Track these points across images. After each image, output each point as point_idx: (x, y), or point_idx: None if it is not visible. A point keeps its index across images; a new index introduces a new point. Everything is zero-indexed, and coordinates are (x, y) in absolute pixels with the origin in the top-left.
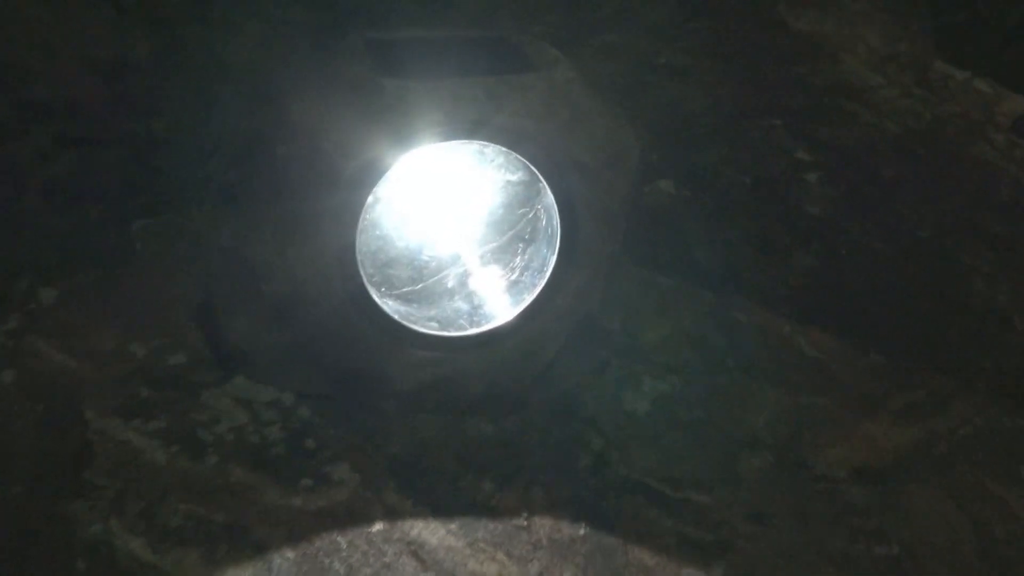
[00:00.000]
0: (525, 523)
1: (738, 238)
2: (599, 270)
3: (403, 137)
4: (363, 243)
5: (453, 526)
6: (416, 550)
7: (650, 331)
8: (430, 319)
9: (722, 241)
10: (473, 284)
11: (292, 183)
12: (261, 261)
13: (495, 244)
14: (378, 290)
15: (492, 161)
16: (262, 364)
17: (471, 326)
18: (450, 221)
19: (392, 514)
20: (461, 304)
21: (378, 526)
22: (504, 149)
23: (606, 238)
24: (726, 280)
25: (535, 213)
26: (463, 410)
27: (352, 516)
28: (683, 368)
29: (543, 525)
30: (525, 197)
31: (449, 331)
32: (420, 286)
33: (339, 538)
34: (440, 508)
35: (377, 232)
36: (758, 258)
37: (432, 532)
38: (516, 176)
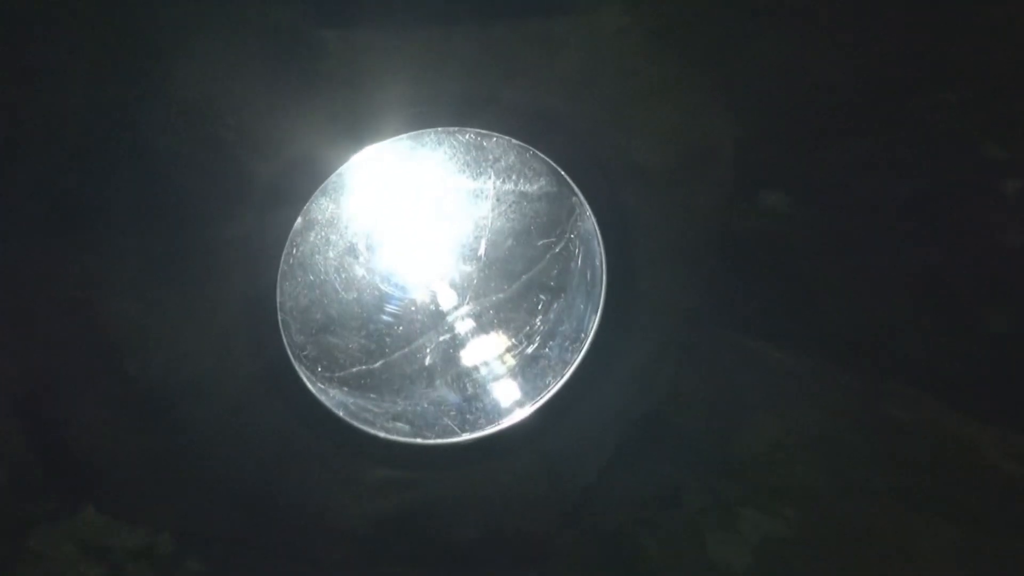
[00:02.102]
0: None
1: (893, 286)
2: (669, 337)
3: (354, 124)
4: (288, 294)
5: None
6: None
7: (751, 435)
8: (396, 417)
9: (868, 290)
10: (466, 360)
11: (175, 198)
12: (124, 324)
13: (501, 295)
14: (312, 371)
15: (497, 161)
16: (125, 488)
17: (462, 429)
18: (428, 258)
19: None
20: (446, 393)
21: None
22: (517, 142)
23: (680, 286)
24: (875, 353)
25: (565, 245)
26: (448, 563)
27: None
28: (805, 496)
29: None
30: (549, 219)
31: (427, 437)
32: (380, 363)
33: None
34: None
35: (310, 277)
36: (926, 320)
37: None
38: (536, 186)
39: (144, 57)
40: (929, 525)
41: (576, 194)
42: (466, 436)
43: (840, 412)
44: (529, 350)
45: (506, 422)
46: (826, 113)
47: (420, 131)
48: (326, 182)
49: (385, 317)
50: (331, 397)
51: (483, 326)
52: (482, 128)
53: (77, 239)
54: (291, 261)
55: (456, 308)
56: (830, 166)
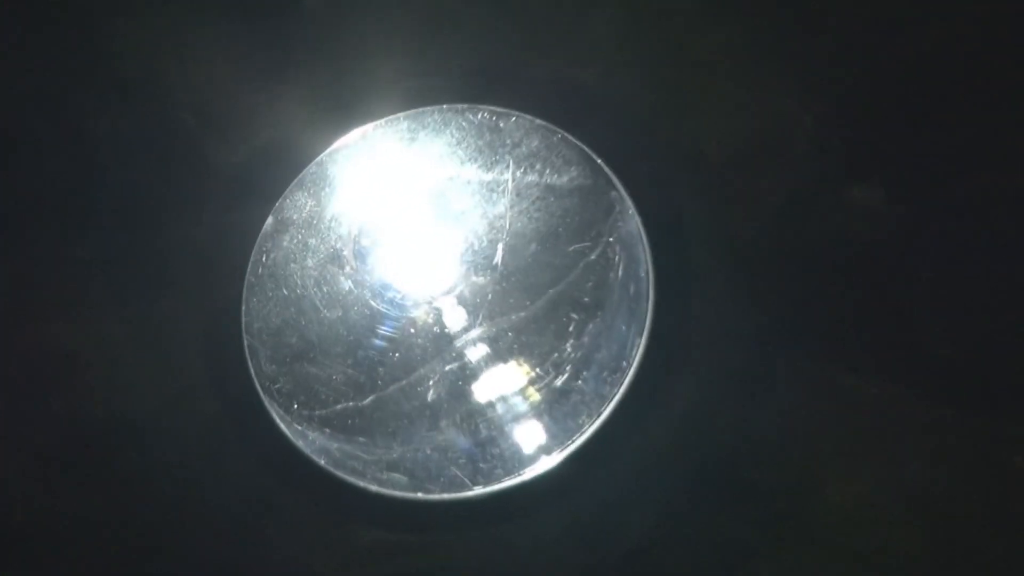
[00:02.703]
0: None
1: (1012, 302)
2: (731, 367)
3: (339, 101)
4: (256, 312)
5: None
6: None
7: (833, 488)
8: (391, 466)
9: (980, 307)
10: (478, 395)
11: (116, 195)
12: (50, 350)
13: (522, 314)
14: (286, 408)
15: (517, 147)
16: (50, 558)
17: (474, 481)
18: (431, 267)
19: None
20: (454, 436)
21: None
22: (542, 123)
23: (745, 302)
24: (990, 385)
25: (602, 251)
26: None
27: None
28: (901, 565)
29: None
30: (582, 219)
31: (429, 491)
32: (371, 399)
33: None
34: None
35: (284, 291)
36: None
37: None
38: (565, 177)
39: (74, 24)
40: None
41: (616, 187)
42: (479, 490)
43: (946, 460)
44: (558, 382)
45: (529, 473)
46: (926, 90)
47: (421, 109)
48: (303, 173)
49: (377, 341)
50: (310, 441)
51: (500, 352)
52: (498, 106)
53: None
54: (260, 271)
55: (466, 330)
56: (931, 156)
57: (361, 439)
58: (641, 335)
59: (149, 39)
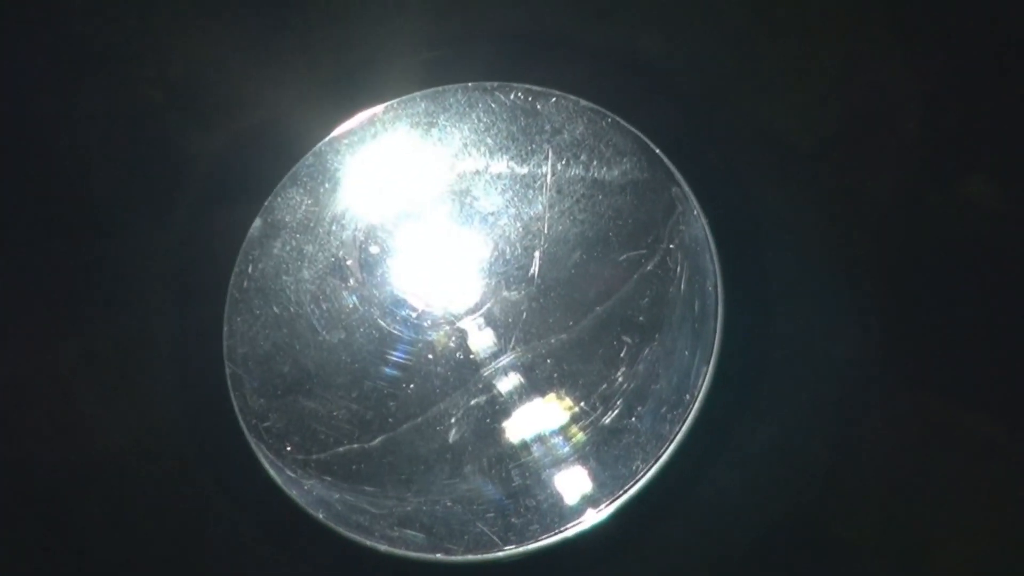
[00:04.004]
0: None
1: None
2: (819, 401)
3: (343, 78)
4: (241, 335)
5: None
6: None
7: (947, 545)
8: (405, 521)
9: None
10: (511, 435)
11: (75, 192)
12: None
13: (563, 337)
14: (277, 452)
15: (558, 133)
16: None
17: (505, 540)
18: (453, 280)
19: None
20: (481, 485)
21: None
22: (588, 104)
23: (836, 322)
24: None
25: (661, 260)
26: None
27: None
28: None
29: None
30: (637, 222)
31: (451, 552)
32: (380, 439)
33: None
34: None
35: (274, 308)
36: None
37: None
38: (617, 171)
39: None
40: None
41: (678, 183)
42: (511, 550)
43: None
44: (607, 420)
45: (571, 529)
46: None
47: (443, 88)
48: (298, 165)
49: (388, 370)
50: (306, 491)
51: (537, 383)
52: (536, 84)
53: None
54: (245, 285)
55: (496, 357)
56: None
57: (368, 488)
58: (708, 363)
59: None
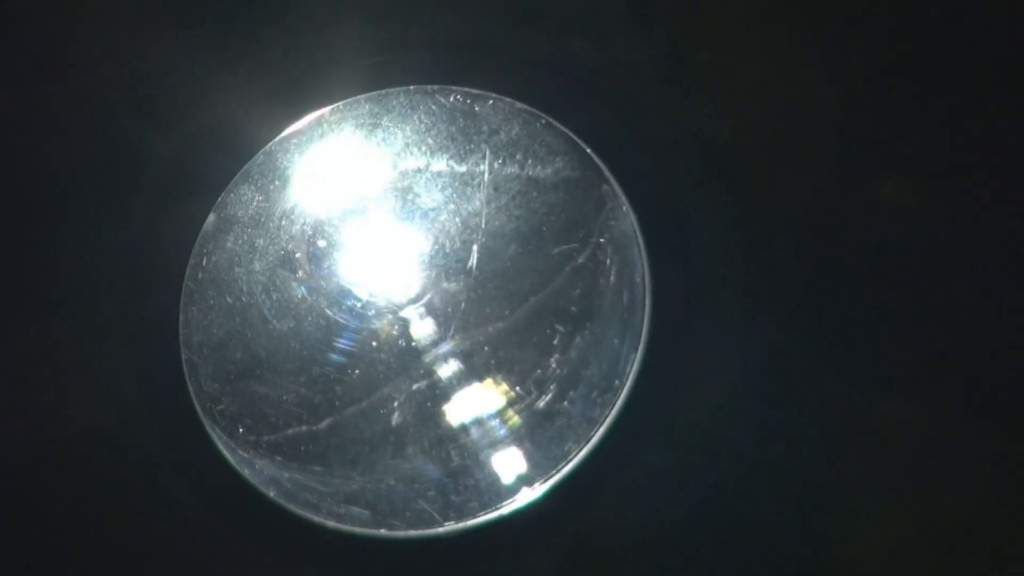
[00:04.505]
0: None
1: None
2: (740, 387)
3: (291, 81)
4: (196, 324)
5: None
6: None
7: (858, 531)
8: (351, 499)
9: None
10: (451, 417)
11: (29, 187)
12: None
13: (500, 325)
14: (230, 433)
15: (495, 134)
16: None
17: (445, 516)
18: (396, 272)
19: None
20: (422, 465)
21: None
22: (523, 107)
23: (758, 313)
24: None
25: (592, 254)
26: None
27: None
28: None
29: None
30: (569, 217)
31: (394, 527)
32: (328, 422)
33: None
34: None
35: (227, 299)
36: None
37: None
38: (550, 169)
39: None
40: None
41: (608, 181)
42: (450, 526)
43: (994, 500)
44: (541, 403)
45: (508, 506)
46: (976, 73)
47: (385, 91)
48: (250, 163)
49: (335, 356)
50: (258, 471)
51: (475, 369)
52: (474, 87)
53: None
54: (200, 276)
55: (436, 344)
56: (979, 145)
57: (316, 468)
58: (636, 350)
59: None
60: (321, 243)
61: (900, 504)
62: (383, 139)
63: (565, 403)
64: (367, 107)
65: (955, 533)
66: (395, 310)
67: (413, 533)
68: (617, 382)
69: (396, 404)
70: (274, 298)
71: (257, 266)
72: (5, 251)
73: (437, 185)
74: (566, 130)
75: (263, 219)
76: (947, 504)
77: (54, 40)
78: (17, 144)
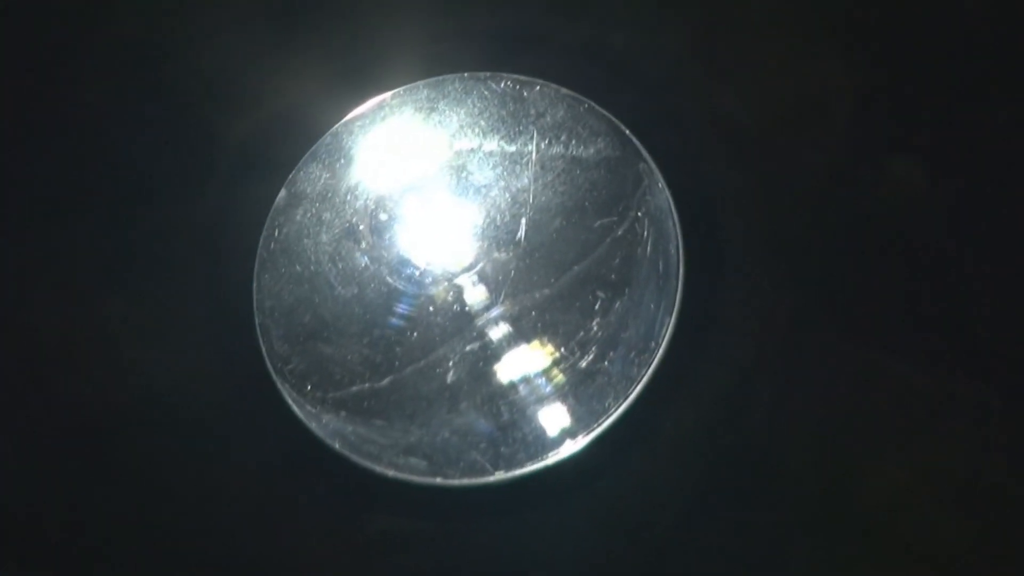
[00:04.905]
0: None
1: None
2: (766, 348)
3: (355, 68)
4: (268, 290)
5: None
6: None
7: (873, 477)
8: (409, 450)
9: None
10: (500, 376)
11: (116, 168)
12: (50, 333)
13: (546, 292)
14: (299, 390)
15: (541, 117)
16: (46, 554)
17: (496, 466)
18: (451, 243)
19: None
20: (474, 419)
21: None
22: (568, 92)
23: (782, 280)
24: None
25: (630, 226)
26: None
27: None
28: (944, 559)
29: None
30: (610, 193)
31: (449, 476)
32: (388, 380)
33: None
34: None
35: (297, 267)
36: None
37: None
38: (592, 149)
39: None
40: None
41: (644, 159)
42: (500, 475)
43: (994, 450)
44: (583, 363)
45: (553, 457)
46: (983, 57)
47: (441, 78)
48: (318, 144)
49: (395, 320)
50: (324, 424)
51: (523, 332)
52: (523, 74)
53: None
54: (272, 247)
55: (487, 309)
56: (984, 127)
57: (377, 422)
58: (670, 314)
59: None
60: (383, 216)
61: (904, 453)
62: (439, 122)
63: (605, 363)
64: (425, 92)
65: (959, 477)
66: (450, 278)
67: (466, 481)
68: (653, 344)
69: (451, 364)
70: (339, 267)
71: (324, 237)
72: (99, 227)
73: (488, 164)
74: (607, 113)
75: (329, 195)
76: (951, 453)
77: (139, 36)
78: (109, 131)
